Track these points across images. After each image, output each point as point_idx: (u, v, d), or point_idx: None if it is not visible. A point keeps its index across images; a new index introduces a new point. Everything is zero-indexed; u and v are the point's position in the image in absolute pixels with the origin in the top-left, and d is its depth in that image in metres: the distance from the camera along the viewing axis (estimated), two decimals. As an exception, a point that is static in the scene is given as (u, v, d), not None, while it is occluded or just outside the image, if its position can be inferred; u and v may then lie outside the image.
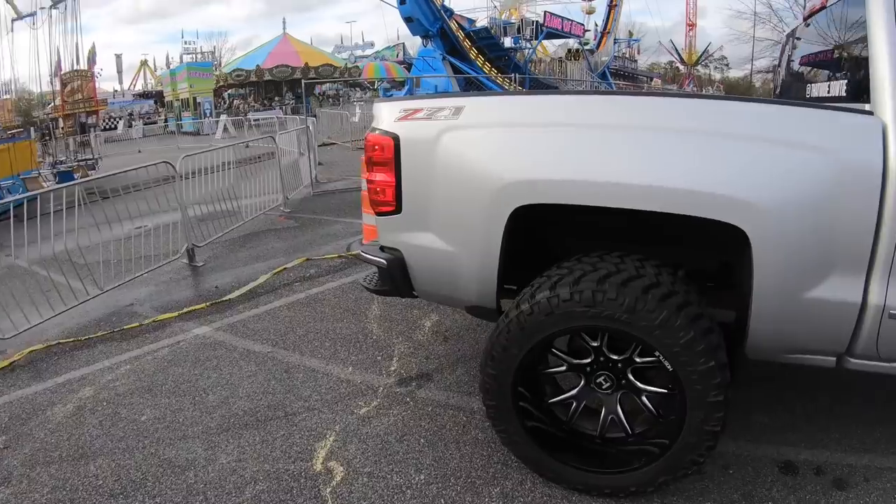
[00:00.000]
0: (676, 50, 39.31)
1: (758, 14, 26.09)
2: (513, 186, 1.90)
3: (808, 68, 2.45)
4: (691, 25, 36.36)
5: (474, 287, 2.14)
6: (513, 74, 16.37)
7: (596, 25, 29.80)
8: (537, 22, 24.11)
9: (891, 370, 1.81)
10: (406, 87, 14.87)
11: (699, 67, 39.01)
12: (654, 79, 38.58)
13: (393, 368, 3.07)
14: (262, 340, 3.51)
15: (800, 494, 2.02)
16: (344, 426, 2.54)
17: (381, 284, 2.45)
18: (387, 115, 2.19)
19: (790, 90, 2.79)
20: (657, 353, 1.75)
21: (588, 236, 2.25)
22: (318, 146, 10.59)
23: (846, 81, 1.97)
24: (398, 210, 2.19)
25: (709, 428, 1.77)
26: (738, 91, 35.26)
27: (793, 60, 2.76)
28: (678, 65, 42.06)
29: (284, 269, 4.74)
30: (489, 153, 1.96)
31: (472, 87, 15.27)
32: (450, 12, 17.38)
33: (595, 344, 1.95)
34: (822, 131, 1.68)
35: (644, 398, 1.96)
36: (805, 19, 2.50)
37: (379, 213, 2.30)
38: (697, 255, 2.16)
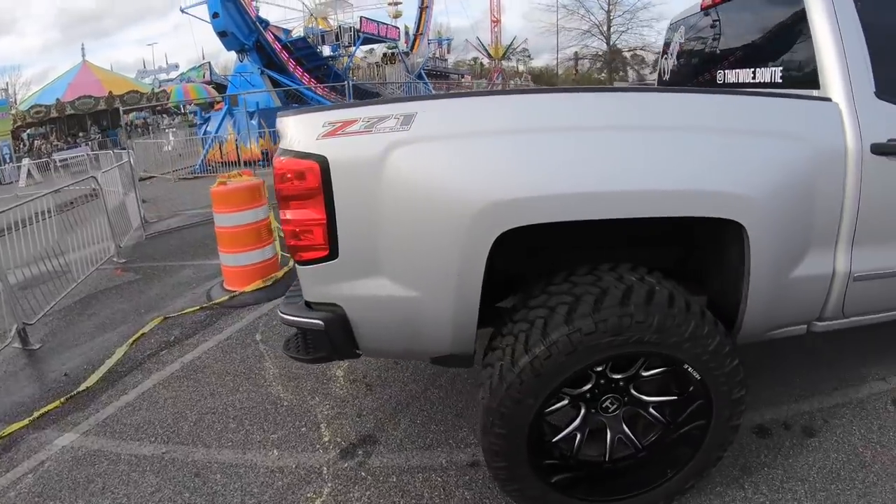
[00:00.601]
0: (483, 46, 42.16)
1: (566, 6, 29.62)
2: (499, 207, 1.53)
3: (720, 55, 2.54)
4: (496, 21, 39.27)
5: (447, 334, 1.74)
6: (335, 83, 15.95)
7: (407, 28, 30.39)
8: (354, 28, 23.92)
9: (851, 325, 1.95)
10: (224, 108, 13.43)
11: (504, 61, 42.46)
12: (465, 76, 41.00)
13: (326, 439, 2.49)
14: (150, 439, 2.60)
15: (784, 452, 2.11)
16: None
17: (316, 351, 1.88)
18: (303, 132, 1.63)
19: (685, 77, 2.93)
20: (686, 366, 1.59)
21: (542, 251, 2.00)
22: (138, 181, 8.84)
23: (781, 68, 2.03)
24: (333, 255, 1.67)
25: (733, 424, 1.72)
26: (542, 80, 39.57)
27: (691, 48, 2.87)
28: (482, 60, 45.39)
29: (142, 335, 3.67)
30: (460, 169, 1.56)
31: (293, 100, 14.50)
32: (265, 23, 16.24)
33: (599, 368, 1.72)
34: (792, 119, 1.70)
35: (651, 410, 1.81)
36: (704, 8, 2.61)
37: (304, 262, 1.74)
38: (660, 253, 2.06)
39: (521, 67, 44.81)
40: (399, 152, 1.56)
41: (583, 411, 1.77)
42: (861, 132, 1.68)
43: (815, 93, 1.79)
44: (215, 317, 3.81)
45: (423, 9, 30.42)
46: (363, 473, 2.24)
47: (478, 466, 2.18)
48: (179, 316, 3.90)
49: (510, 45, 37.21)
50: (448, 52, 40.40)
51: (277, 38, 17.23)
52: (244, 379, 3.03)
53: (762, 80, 2.12)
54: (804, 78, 1.86)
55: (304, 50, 17.75)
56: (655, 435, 1.84)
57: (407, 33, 30.16)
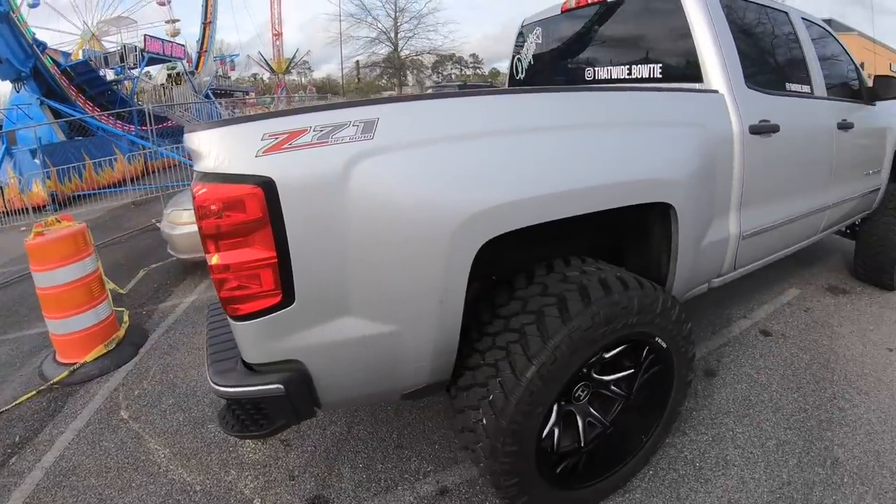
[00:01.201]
0: (265, 60, 40.49)
1: (353, 15, 29.91)
2: (481, 216, 1.41)
3: (589, 54, 2.75)
4: (277, 34, 37.80)
5: (427, 365, 1.57)
6: (122, 110, 13.86)
7: (185, 46, 27.64)
8: (137, 47, 21.03)
9: (737, 276, 2.34)
10: (2, 149, 10.56)
11: (286, 75, 41.48)
12: (249, 92, 39.13)
13: None
14: None
15: (701, 395, 2.47)
16: None
17: (272, 422, 1.51)
18: (235, 148, 1.28)
19: (546, 75, 3.12)
20: (656, 338, 1.71)
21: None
22: None
23: (661, 65, 2.29)
24: (289, 301, 1.36)
25: (689, 379, 1.92)
26: (327, 89, 39.58)
27: (553, 47, 3.05)
28: (263, 75, 43.95)
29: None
30: (438, 179, 1.39)
31: (77, 132, 12.25)
32: (42, 46, 13.22)
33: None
34: (693, 109, 1.96)
35: (612, 387, 1.91)
36: (564, 10, 2.80)
37: (246, 316, 1.37)
38: (596, 241, 2.17)
39: (303, 80, 44.58)
40: (363, 166, 1.33)
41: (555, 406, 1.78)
42: (741, 117, 2.01)
43: (698, 85, 2.09)
44: (59, 400, 2.87)
45: (207, 24, 27.99)
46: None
47: (448, 492, 2.04)
48: (14, 408, 2.84)
49: (293, 58, 36.47)
50: (232, 69, 38.10)
51: (56, 63, 14.48)
52: (133, 471, 2.32)
53: (639, 76, 2.40)
54: (686, 72, 2.15)
55: (85, 75, 15.15)
56: (619, 407, 1.94)
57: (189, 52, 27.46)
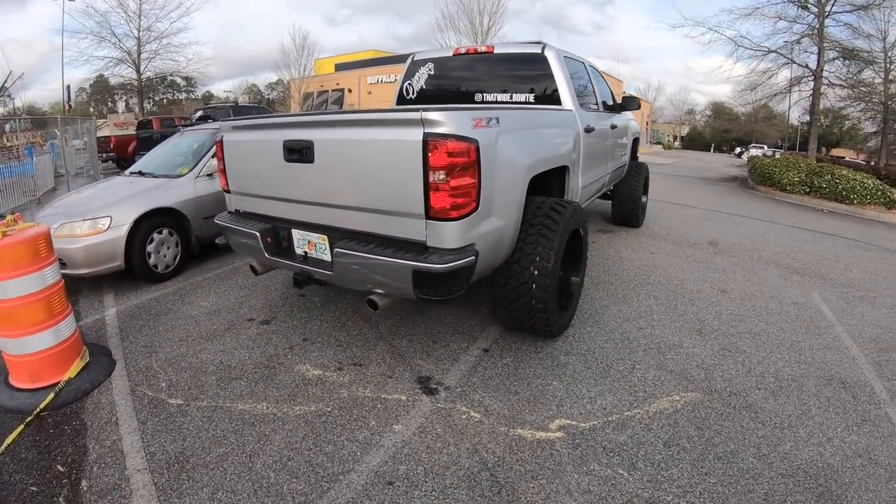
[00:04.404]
0: None
1: (95, 34, 24.76)
2: (532, 166, 2.96)
3: (478, 85, 4.28)
4: None
5: (508, 246, 2.89)
6: None
7: None
8: None
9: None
10: None
11: None
12: None
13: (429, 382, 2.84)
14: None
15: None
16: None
17: (459, 287, 2.49)
18: (463, 122, 2.35)
19: (438, 97, 4.47)
20: (580, 229, 3.46)
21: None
22: None
23: (534, 95, 4.02)
24: (476, 208, 2.43)
25: (587, 254, 3.79)
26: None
27: (445, 77, 4.42)
28: None
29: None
30: (519, 147, 2.82)
31: None
32: None
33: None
34: (569, 120, 3.75)
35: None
36: (456, 54, 4.29)
37: (459, 217, 2.36)
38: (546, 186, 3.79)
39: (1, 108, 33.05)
40: (500, 137, 2.58)
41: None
42: (581, 123, 3.97)
43: (561, 107, 3.95)
44: (65, 426, 2.47)
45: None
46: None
47: (488, 351, 3.28)
48: (6, 451, 2.31)
49: (4, 83, 26.67)
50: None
51: None
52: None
53: (518, 101, 4.16)
54: (551, 100, 4.00)
55: None
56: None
57: None
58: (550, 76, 3.96)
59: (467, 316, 3.76)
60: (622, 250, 5.73)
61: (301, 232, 2.95)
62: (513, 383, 2.90)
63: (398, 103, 4.83)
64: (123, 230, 4.10)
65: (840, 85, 17.37)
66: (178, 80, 32.94)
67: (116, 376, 2.95)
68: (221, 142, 3.27)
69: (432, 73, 4.57)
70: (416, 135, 2.29)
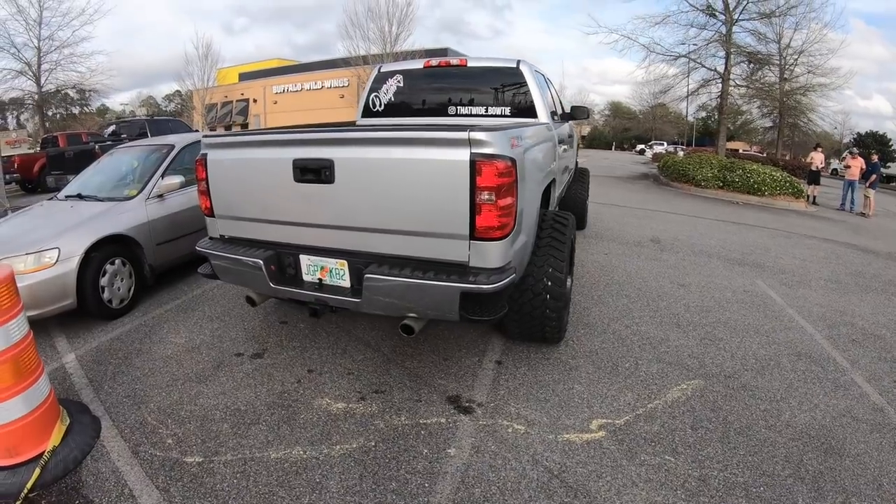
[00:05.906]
0: None
1: None
2: (547, 175, 3.07)
3: (450, 98, 4.22)
4: None
5: (527, 259, 2.98)
6: None
7: None
8: None
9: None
10: None
11: None
12: None
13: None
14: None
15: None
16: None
17: (501, 307, 2.51)
18: (504, 143, 2.34)
19: (406, 109, 4.35)
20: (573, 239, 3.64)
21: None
22: None
23: (510, 108, 4.07)
24: (514, 227, 2.47)
25: (573, 239, 3.98)
26: None
27: (415, 90, 4.30)
28: None
29: None
30: (539, 161, 2.88)
31: None
32: None
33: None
34: (551, 133, 3.89)
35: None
36: (426, 67, 4.27)
37: (501, 237, 2.38)
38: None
39: None
40: (525, 153, 2.65)
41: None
42: (556, 136, 4.15)
43: (537, 119, 4.10)
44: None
45: None
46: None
47: (501, 363, 3.33)
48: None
49: None
50: None
51: None
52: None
53: (493, 114, 4.26)
54: (527, 113, 4.13)
55: None
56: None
57: None
58: (526, 90, 4.11)
59: (464, 329, 3.76)
60: (579, 253, 6.05)
61: (311, 258, 2.79)
62: (538, 391, 2.97)
63: (364, 116, 4.71)
64: (74, 263, 3.57)
65: (743, 85, 19.61)
66: (72, 94, 29.10)
67: (107, 437, 2.56)
68: (204, 160, 2.98)
69: (401, 85, 4.53)
70: (463, 155, 2.27)
